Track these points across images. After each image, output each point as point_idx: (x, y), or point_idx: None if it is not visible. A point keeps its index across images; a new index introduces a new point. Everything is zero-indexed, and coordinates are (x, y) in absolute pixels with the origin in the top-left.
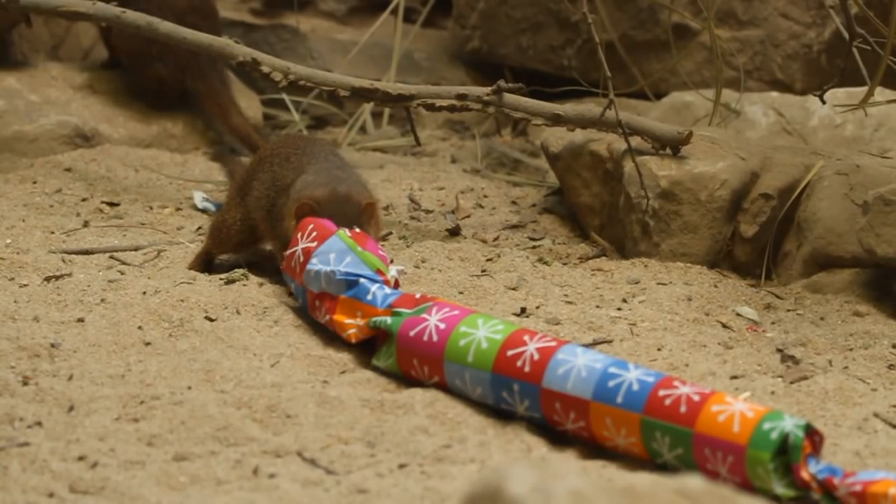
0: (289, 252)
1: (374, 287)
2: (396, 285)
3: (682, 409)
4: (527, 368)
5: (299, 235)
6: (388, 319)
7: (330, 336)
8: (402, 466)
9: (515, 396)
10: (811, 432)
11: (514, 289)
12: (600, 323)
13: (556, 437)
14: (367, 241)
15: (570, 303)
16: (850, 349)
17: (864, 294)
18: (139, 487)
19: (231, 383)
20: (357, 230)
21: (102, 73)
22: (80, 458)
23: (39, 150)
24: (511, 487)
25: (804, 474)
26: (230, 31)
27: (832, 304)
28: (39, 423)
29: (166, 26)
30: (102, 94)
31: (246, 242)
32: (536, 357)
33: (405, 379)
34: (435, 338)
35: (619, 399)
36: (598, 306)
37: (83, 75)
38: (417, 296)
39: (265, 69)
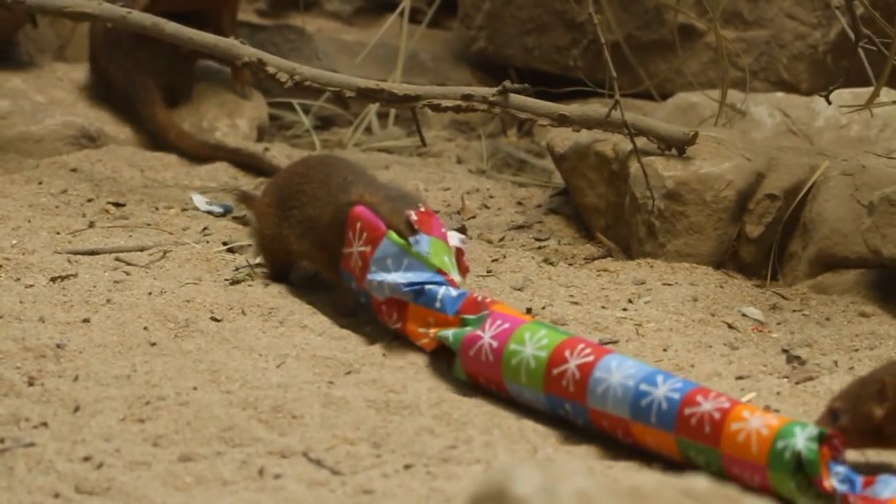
0: (346, 252)
1: (440, 292)
2: (460, 255)
3: (707, 429)
4: (571, 388)
5: (350, 235)
6: (451, 336)
7: (335, 336)
8: (407, 467)
9: (570, 414)
10: (827, 439)
11: (519, 289)
12: (606, 323)
13: (562, 438)
14: (433, 220)
15: (575, 303)
16: (856, 350)
17: (870, 295)
18: (145, 488)
19: (237, 384)
20: (422, 209)
21: None
22: (86, 459)
23: (45, 150)
24: (517, 488)
25: (826, 484)
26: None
27: (838, 304)
28: (45, 424)
29: (172, 27)
30: None
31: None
32: (577, 376)
33: (410, 380)
34: (490, 358)
35: (653, 419)
36: (603, 307)
37: (89, 76)
38: (479, 298)
39: (271, 70)
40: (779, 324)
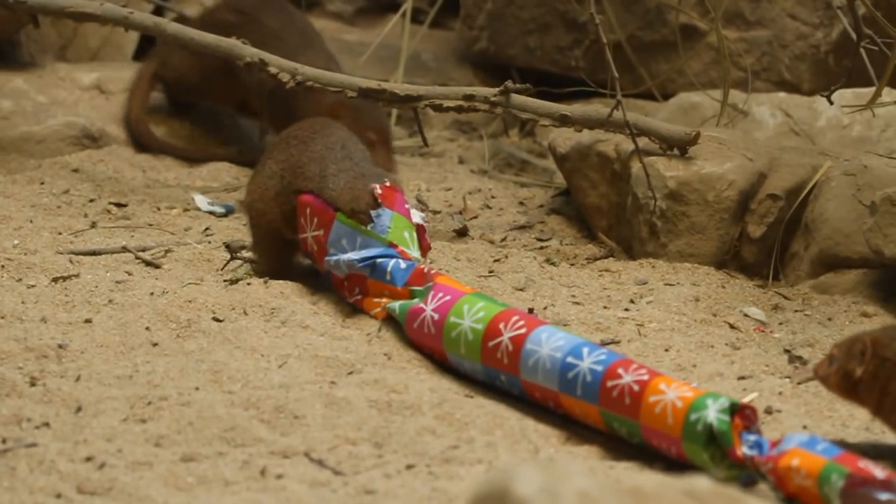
0: (301, 237)
1: (390, 264)
2: (422, 231)
3: (627, 400)
4: (505, 360)
5: (303, 221)
6: (397, 308)
7: (337, 337)
8: (409, 467)
9: (505, 385)
10: (740, 409)
11: (521, 289)
12: (608, 324)
13: (564, 438)
14: (396, 195)
15: (577, 303)
16: None
17: (872, 295)
18: (147, 488)
19: (239, 384)
20: (388, 184)
21: (110, 74)
22: (88, 459)
23: (47, 150)
24: (518, 488)
25: (739, 454)
26: None
27: (840, 304)
28: (47, 424)
29: (173, 27)
30: (110, 94)
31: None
32: (511, 348)
33: (412, 381)
34: (432, 330)
35: (579, 391)
36: (605, 307)
37: (91, 76)
38: (425, 269)
39: (273, 70)
40: (781, 324)
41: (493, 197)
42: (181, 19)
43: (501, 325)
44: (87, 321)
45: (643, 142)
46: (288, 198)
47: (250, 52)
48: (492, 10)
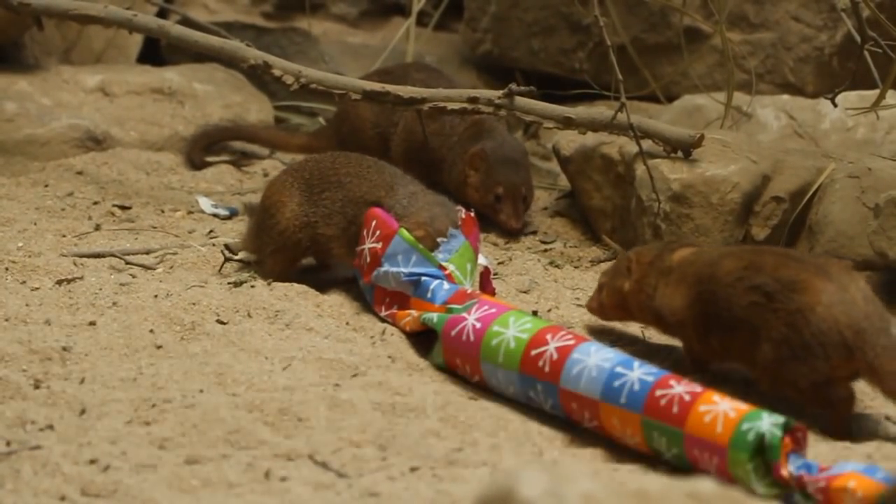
0: (358, 249)
1: (433, 284)
2: (487, 274)
3: (675, 409)
4: (547, 368)
5: (365, 233)
6: (435, 318)
7: (341, 339)
8: (413, 469)
9: (540, 396)
10: (792, 429)
11: (525, 292)
12: (611, 326)
13: (568, 440)
14: (474, 229)
15: (581, 306)
16: None
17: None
18: (151, 490)
19: (243, 386)
20: (471, 214)
21: (114, 77)
22: (92, 462)
23: (51, 153)
24: (523, 490)
25: (783, 472)
26: (242, 34)
27: None
28: (51, 427)
29: (177, 29)
30: (114, 97)
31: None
32: (555, 357)
33: (416, 383)
34: (472, 337)
35: (623, 399)
36: None
37: (95, 78)
38: (469, 290)
39: (277, 72)
40: None
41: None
42: (185, 22)
43: (549, 336)
44: (92, 324)
45: (647, 144)
46: (351, 221)
47: (254, 54)
48: (496, 13)
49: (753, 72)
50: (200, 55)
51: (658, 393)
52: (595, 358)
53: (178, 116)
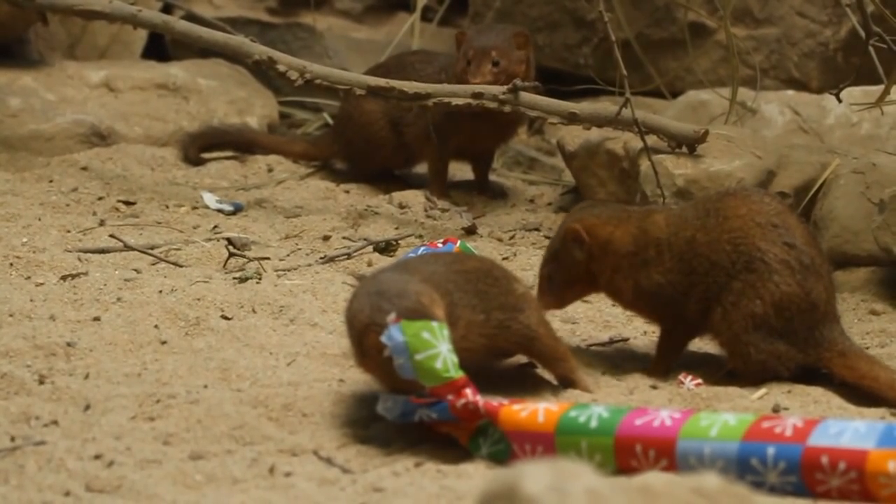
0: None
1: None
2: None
3: None
4: (787, 433)
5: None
6: (605, 413)
7: (345, 334)
8: (418, 465)
9: (768, 460)
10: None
11: (530, 288)
12: (615, 322)
13: None
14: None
15: (585, 301)
16: (867, 348)
17: (881, 293)
18: (155, 486)
19: (247, 382)
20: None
21: (119, 72)
22: (96, 457)
23: (56, 148)
24: (527, 486)
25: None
26: (246, 29)
27: (848, 302)
28: (55, 422)
29: (182, 24)
30: (118, 92)
31: None
32: (800, 424)
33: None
34: (668, 423)
35: None
36: (613, 305)
37: (99, 74)
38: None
39: (281, 68)
40: None
41: (502, 195)
42: (190, 17)
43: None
44: (96, 319)
45: (652, 140)
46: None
47: (258, 49)
48: (500, 9)
49: (758, 67)
50: (205, 51)
51: None
52: (855, 423)
53: (182, 112)
